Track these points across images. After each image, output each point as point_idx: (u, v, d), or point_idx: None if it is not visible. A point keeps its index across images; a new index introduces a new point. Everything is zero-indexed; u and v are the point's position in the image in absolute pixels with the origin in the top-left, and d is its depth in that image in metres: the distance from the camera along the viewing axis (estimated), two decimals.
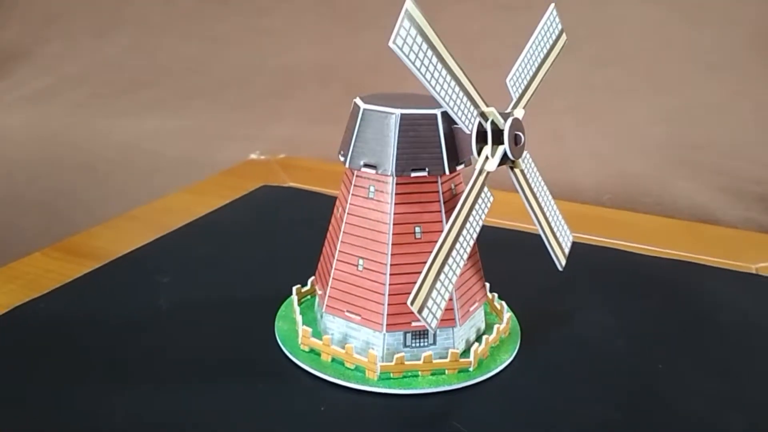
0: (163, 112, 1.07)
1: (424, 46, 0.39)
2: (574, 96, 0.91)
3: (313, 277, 0.61)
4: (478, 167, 0.45)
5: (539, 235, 0.52)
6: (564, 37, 0.53)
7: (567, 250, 0.56)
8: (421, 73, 0.40)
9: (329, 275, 0.52)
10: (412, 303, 0.40)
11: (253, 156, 1.06)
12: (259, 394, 0.48)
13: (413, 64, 0.39)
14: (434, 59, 0.40)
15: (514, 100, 0.49)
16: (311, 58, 1.00)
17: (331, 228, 0.55)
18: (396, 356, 0.49)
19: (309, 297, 0.61)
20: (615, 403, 0.48)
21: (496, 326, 0.54)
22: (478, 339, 0.55)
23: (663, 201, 0.87)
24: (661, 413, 0.48)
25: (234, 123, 1.05)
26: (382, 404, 0.48)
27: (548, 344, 0.55)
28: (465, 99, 0.43)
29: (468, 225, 0.44)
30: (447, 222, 0.50)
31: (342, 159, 0.51)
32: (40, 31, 1.11)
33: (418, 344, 0.51)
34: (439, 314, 0.42)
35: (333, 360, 0.51)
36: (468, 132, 0.44)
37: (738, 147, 0.87)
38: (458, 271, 0.44)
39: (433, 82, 0.41)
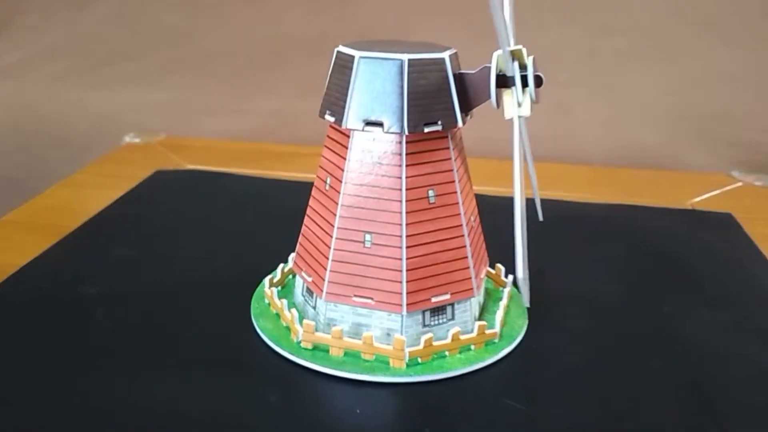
0: (144, 84, 0.98)
1: None
2: (582, 66, 0.88)
3: (283, 264, 0.53)
4: (515, 114, 0.40)
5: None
6: None
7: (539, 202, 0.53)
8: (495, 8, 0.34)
9: (326, 257, 0.44)
10: (523, 277, 0.34)
11: (127, 139, 0.92)
12: (277, 407, 0.40)
13: None
14: None
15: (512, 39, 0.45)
16: (299, 29, 0.92)
17: (314, 204, 0.47)
18: (424, 338, 0.43)
19: (279, 287, 0.52)
20: (649, 351, 0.47)
21: (506, 290, 0.50)
22: (483, 307, 0.50)
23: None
24: (696, 352, 0.47)
25: (219, 96, 0.97)
26: (419, 394, 0.42)
27: (551, 302, 0.52)
28: (507, 39, 0.38)
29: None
30: (459, 181, 0.45)
31: (332, 119, 0.43)
32: (15, 2, 0.96)
33: (437, 321, 0.45)
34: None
35: (345, 354, 0.44)
36: (511, 75, 0.39)
37: (753, 118, 0.86)
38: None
39: (499, 21, 0.35)
